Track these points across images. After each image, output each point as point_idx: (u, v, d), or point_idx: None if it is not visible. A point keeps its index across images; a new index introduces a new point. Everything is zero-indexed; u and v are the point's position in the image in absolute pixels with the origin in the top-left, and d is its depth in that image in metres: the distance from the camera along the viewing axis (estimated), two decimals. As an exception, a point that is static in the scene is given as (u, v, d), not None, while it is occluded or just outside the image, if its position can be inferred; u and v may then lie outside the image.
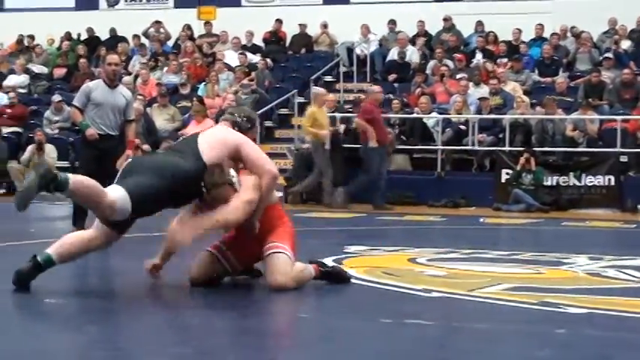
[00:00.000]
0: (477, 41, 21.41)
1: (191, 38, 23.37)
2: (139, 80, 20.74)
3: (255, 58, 21.98)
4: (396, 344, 4.98)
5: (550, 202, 15.90)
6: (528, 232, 12.91)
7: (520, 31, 21.24)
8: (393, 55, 21.46)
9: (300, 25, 23.03)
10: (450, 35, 21.73)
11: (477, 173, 17.11)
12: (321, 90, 17.11)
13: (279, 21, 23.34)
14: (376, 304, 6.32)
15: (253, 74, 20.80)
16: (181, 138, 7.14)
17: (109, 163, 10.44)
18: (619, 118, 16.72)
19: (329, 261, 7.45)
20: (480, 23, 21.95)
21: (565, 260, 8.56)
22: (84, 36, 24.56)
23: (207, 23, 23.84)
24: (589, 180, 16.15)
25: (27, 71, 22.74)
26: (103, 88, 10.54)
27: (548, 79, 19.56)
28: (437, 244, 10.40)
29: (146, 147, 16.51)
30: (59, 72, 22.90)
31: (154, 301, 6.12)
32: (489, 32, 21.60)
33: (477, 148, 16.97)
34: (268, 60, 21.94)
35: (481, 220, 14.22)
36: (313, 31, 23.07)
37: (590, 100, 17.37)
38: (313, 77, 20.89)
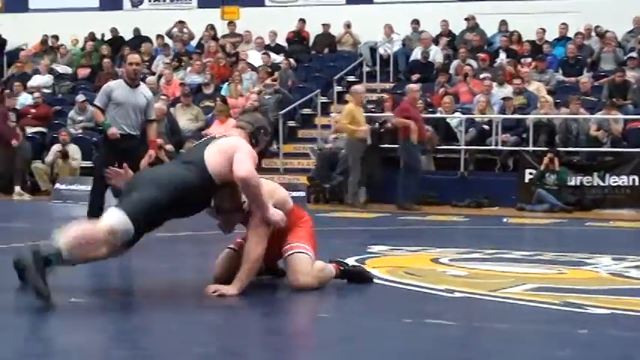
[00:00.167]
0: (500, 41, 21.35)
1: (214, 38, 23.41)
2: (163, 80, 20.80)
3: (278, 58, 22.00)
4: (417, 344, 4.98)
5: (574, 202, 15.85)
6: (551, 232, 12.86)
7: (544, 30, 21.18)
8: (416, 54, 21.43)
9: (323, 24, 23.04)
10: (473, 35, 21.68)
11: (500, 173, 17.06)
12: (359, 88, 17.11)
13: (302, 21, 23.35)
14: (398, 304, 6.32)
15: (276, 74, 20.82)
16: (194, 144, 7.05)
17: (127, 163, 10.46)
18: (643, 117, 16.68)
19: (351, 261, 7.46)
20: (503, 23, 21.89)
21: (588, 261, 8.53)
22: (108, 36, 24.65)
23: (231, 23, 23.88)
24: (613, 180, 16.09)
25: (51, 71, 22.84)
26: (123, 87, 10.57)
27: (572, 79, 19.49)
28: (460, 244, 10.39)
29: (169, 147, 16.57)
30: (83, 72, 23.00)
31: (176, 300, 6.14)
32: (513, 32, 21.53)
33: (500, 148, 16.92)
34: (291, 60, 21.95)
35: (504, 220, 14.19)
36: (336, 30, 23.06)
37: (614, 99, 17.30)
38: (336, 77, 20.92)
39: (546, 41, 21.04)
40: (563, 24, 21.36)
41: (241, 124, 6.59)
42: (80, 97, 19.38)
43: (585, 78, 19.02)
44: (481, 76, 19.11)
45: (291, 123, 19.84)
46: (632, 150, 16.35)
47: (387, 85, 21.21)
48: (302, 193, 15.74)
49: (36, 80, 22.13)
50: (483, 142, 17.15)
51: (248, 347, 4.98)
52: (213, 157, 6.17)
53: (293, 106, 19.51)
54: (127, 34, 24.37)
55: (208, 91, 20.44)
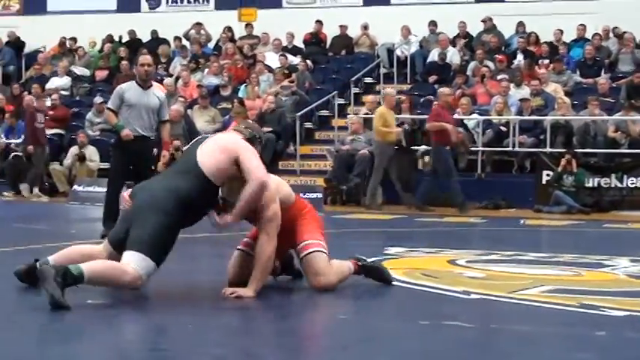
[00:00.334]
0: (518, 42, 21.32)
1: (232, 40, 23.45)
2: (180, 82, 20.86)
3: (295, 60, 22.02)
4: (434, 346, 4.98)
5: (591, 203, 15.82)
6: (569, 234, 12.83)
7: (561, 31, 21.13)
8: (433, 56, 21.41)
9: (340, 26, 23.05)
10: (491, 36, 21.65)
11: (517, 175, 17.03)
12: (391, 91, 17.11)
13: (319, 22, 23.37)
14: (415, 306, 6.33)
15: (294, 76, 20.84)
16: (184, 149, 7.03)
17: (141, 164, 10.51)
18: (661, 119, 16.61)
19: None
20: (521, 24, 21.86)
21: (606, 262, 8.51)
22: (125, 38, 24.72)
23: (248, 25, 23.90)
24: (631, 181, 16.04)
25: (69, 73, 22.93)
26: (135, 89, 10.59)
27: (590, 80, 19.44)
28: (477, 245, 10.39)
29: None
30: (101, 74, 23.08)
31: (193, 302, 6.15)
32: (531, 33, 21.49)
33: (517, 149, 16.90)
34: (309, 61, 21.97)
35: (521, 221, 14.17)
36: (354, 32, 23.07)
37: (632, 101, 17.26)
38: (353, 79, 20.93)
39: (564, 42, 21.00)
40: (581, 25, 21.31)
41: (239, 128, 6.60)
42: (98, 99, 19.43)
43: (603, 79, 18.97)
44: (498, 77, 19.08)
45: (308, 124, 19.88)
46: (650, 151, 16.32)
47: (404, 87, 21.19)
48: (319, 195, 15.75)
49: (54, 82, 22.22)
50: (500, 143, 17.13)
51: (266, 348, 4.99)
52: (208, 158, 6.15)
53: (310, 107, 19.53)
54: (145, 36, 24.44)
55: (226, 92, 20.48)
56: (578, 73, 19.96)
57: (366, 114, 17.98)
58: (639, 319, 5.78)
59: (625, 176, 16.07)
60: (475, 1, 23.13)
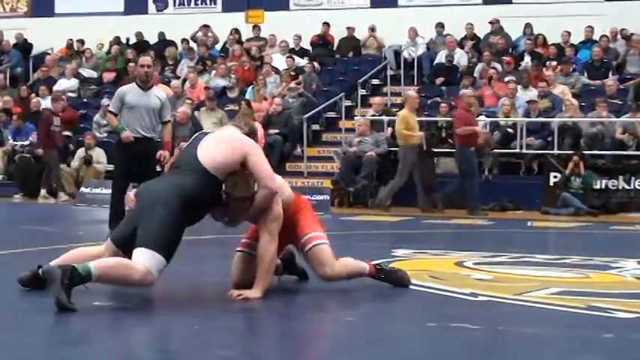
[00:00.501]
0: (525, 44, 21.29)
1: (239, 42, 23.46)
2: (187, 84, 20.87)
3: (302, 62, 22.03)
4: (441, 348, 4.97)
5: (599, 205, 15.79)
6: (577, 236, 12.80)
7: (569, 33, 21.10)
8: (440, 58, 21.40)
9: (347, 28, 23.05)
10: (498, 38, 21.63)
11: (525, 176, 17.02)
12: (413, 93, 17.05)
13: (326, 24, 23.36)
14: (422, 308, 6.32)
15: (301, 78, 20.86)
16: (184, 145, 7.01)
17: (144, 166, 10.51)
18: (669, 121, 16.57)
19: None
20: (528, 26, 21.84)
21: (613, 264, 8.48)
22: (133, 40, 24.76)
23: (255, 27, 23.91)
24: (638, 183, 16.03)
25: (77, 75, 22.97)
26: (136, 90, 10.61)
27: (598, 82, 19.40)
28: (484, 247, 10.35)
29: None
30: (108, 76, 23.10)
31: (199, 303, 6.15)
32: (538, 35, 21.46)
33: (525, 151, 16.88)
34: (316, 63, 21.98)
35: (529, 223, 14.15)
36: (361, 34, 23.06)
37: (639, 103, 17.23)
38: (360, 81, 20.94)
39: (571, 44, 20.97)
40: (589, 27, 21.28)
41: (237, 123, 6.62)
42: (105, 101, 19.41)
43: (611, 81, 18.93)
44: (506, 79, 19.06)
45: (315, 126, 19.88)
46: (658, 153, 16.29)
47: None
48: (326, 197, 15.74)
49: (61, 84, 22.24)
50: (508, 145, 17.12)
51: (271, 350, 4.99)
52: (210, 153, 6.13)
53: (317, 109, 19.54)
54: (152, 39, 24.47)
55: (233, 94, 20.49)
56: (585, 74, 19.93)
57: (373, 116, 17.96)
58: (647, 321, 5.77)
59: (633, 178, 16.05)
60: (482, 3, 23.10)
